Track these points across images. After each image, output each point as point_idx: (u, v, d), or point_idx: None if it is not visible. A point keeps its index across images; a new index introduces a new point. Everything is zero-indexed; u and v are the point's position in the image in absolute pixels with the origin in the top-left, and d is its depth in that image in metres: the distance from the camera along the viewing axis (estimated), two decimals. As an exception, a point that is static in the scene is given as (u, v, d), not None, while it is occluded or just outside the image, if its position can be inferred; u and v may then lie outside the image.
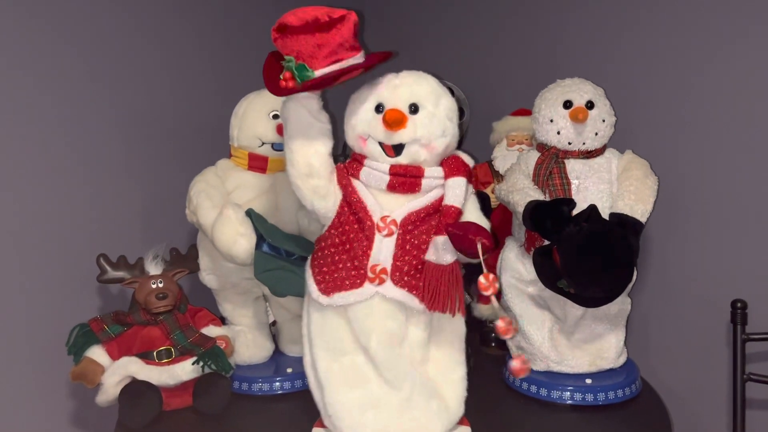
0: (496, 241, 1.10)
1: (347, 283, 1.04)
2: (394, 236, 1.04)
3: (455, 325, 1.11)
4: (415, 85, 1.06)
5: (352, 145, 1.09)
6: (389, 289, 1.03)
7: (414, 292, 1.04)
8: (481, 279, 0.97)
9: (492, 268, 1.46)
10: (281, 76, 1.00)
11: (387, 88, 1.05)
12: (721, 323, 1.36)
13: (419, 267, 1.04)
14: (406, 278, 1.04)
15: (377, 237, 1.04)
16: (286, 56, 1.00)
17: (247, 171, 1.39)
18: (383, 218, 1.04)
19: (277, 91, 1.00)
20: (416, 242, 1.05)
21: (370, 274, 1.03)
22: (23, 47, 1.39)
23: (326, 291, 1.05)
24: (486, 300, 1.61)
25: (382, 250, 1.04)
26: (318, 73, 0.99)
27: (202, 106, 1.75)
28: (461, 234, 0.99)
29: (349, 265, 1.05)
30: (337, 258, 1.06)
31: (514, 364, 0.99)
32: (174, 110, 1.70)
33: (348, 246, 1.05)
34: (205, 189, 1.34)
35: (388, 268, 1.04)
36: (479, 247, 0.97)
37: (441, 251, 1.02)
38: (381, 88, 1.06)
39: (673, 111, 1.44)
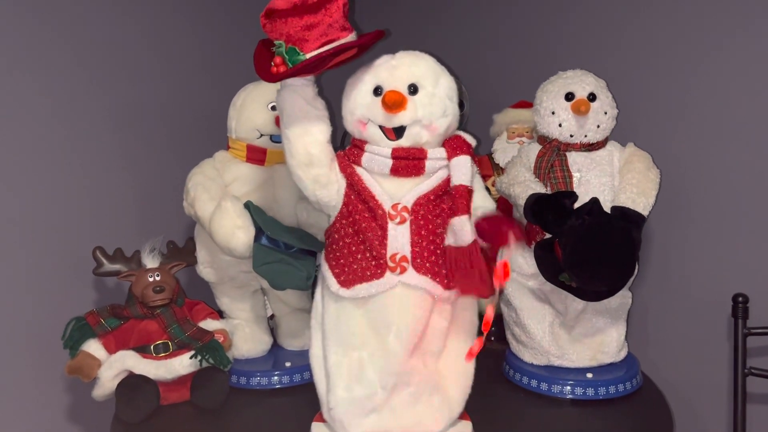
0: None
1: (368, 273, 1.01)
2: (407, 223, 1.02)
3: (469, 317, 1.10)
4: (414, 66, 1.03)
5: (351, 130, 1.07)
6: (412, 277, 1.01)
7: (437, 279, 1.02)
8: (499, 266, 0.97)
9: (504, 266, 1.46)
10: (272, 62, 0.97)
11: (385, 69, 1.03)
12: (722, 317, 1.36)
13: (438, 252, 1.02)
14: (427, 264, 1.02)
15: (390, 225, 1.02)
16: (275, 41, 0.97)
17: (246, 163, 1.38)
18: (394, 206, 1.02)
19: (269, 77, 0.98)
20: (431, 227, 1.03)
21: (390, 264, 1.01)
22: (16, 40, 1.37)
23: (346, 283, 1.02)
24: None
25: (398, 238, 1.02)
26: (309, 55, 0.96)
27: (199, 97, 1.74)
28: (493, 231, 0.99)
29: (368, 255, 1.02)
30: (354, 249, 1.03)
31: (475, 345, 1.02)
32: (171, 102, 1.68)
33: (362, 236, 1.03)
34: (203, 181, 1.33)
35: (409, 256, 1.01)
36: (511, 237, 0.97)
37: (459, 233, 1.00)
38: (378, 70, 1.03)
39: (675, 104, 1.43)
